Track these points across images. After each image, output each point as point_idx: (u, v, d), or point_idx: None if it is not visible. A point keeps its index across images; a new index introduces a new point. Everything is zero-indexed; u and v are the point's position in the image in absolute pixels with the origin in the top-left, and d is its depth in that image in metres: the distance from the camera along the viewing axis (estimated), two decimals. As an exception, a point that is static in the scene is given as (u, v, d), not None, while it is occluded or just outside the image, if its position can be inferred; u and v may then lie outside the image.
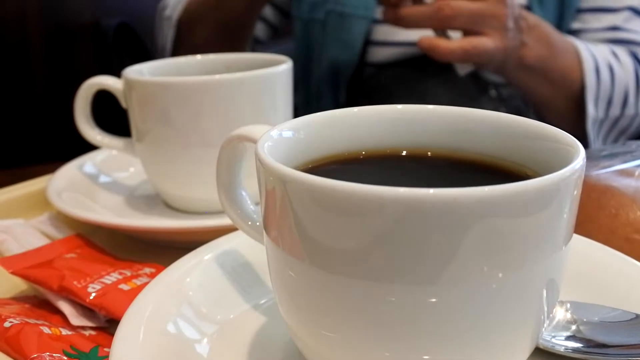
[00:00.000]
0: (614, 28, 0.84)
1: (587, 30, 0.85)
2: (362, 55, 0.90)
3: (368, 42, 0.89)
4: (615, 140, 0.86)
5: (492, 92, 0.86)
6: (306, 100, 0.96)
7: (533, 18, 0.76)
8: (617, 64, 0.80)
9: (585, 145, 0.80)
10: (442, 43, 0.70)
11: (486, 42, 0.70)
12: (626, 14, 0.84)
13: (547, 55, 0.76)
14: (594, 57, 0.79)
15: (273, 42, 1.08)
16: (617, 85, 0.80)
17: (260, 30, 1.02)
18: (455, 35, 0.73)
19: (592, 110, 0.79)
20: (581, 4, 0.86)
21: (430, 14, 0.69)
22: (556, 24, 0.86)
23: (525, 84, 0.80)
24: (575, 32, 0.86)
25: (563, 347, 0.31)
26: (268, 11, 1.02)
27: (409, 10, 0.69)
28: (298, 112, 0.91)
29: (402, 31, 0.87)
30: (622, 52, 0.82)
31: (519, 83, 0.80)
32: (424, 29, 0.73)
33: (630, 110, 0.82)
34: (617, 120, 0.83)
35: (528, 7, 0.85)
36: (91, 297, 0.38)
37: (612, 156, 0.50)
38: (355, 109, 0.33)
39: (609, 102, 0.81)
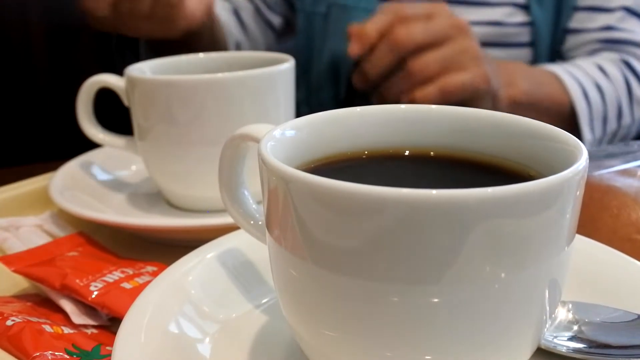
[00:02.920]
0: (608, 28, 0.84)
1: (583, 30, 0.85)
2: None
3: None
4: None
5: None
6: (307, 94, 0.96)
7: (504, 62, 0.76)
8: (605, 80, 0.80)
9: None
10: (417, 94, 0.67)
11: (462, 76, 0.67)
12: (620, 14, 0.84)
13: (533, 87, 0.76)
14: (579, 81, 0.79)
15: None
16: (609, 103, 0.79)
17: (275, 20, 1.03)
18: None
19: (589, 135, 0.79)
20: (578, 2, 0.86)
21: (402, 75, 0.68)
22: (554, 22, 0.86)
23: None
24: (571, 31, 0.86)
25: (565, 348, 0.31)
26: (277, 3, 1.02)
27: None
28: (300, 107, 0.91)
29: None
30: (609, 64, 0.81)
31: None
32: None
33: (626, 119, 0.82)
34: (615, 133, 0.83)
35: (526, 6, 0.85)
36: (93, 296, 0.39)
37: (614, 156, 0.50)
38: (358, 109, 0.33)
39: (604, 121, 0.80)
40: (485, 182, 0.23)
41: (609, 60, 0.82)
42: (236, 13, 1.00)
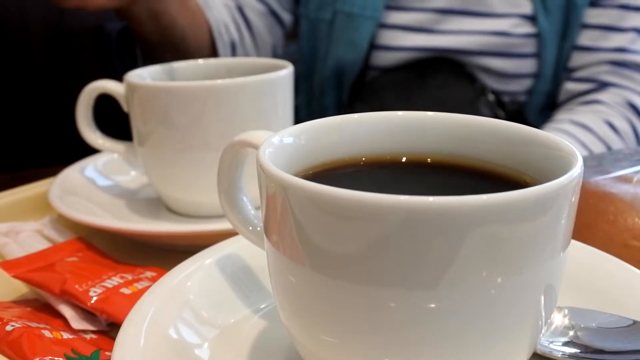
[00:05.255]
0: (621, 49, 0.84)
1: (594, 48, 0.85)
2: (367, 58, 0.90)
3: (373, 46, 0.89)
4: None
5: (490, 96, 0.87)
6: (308, 99, 0.96)
7: None
8: (616, 137, 0.80)
9: None
10: None
11: None
12: (632, 35, 0.84)
13: None
14: (591, 152, 0.78)
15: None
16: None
17: (285, 17, 0.99)
18: None
19: None
20: (587, 19, 0.86)
21: None
22: (561, 35, 0.86)
23: None
24: (581, 49, 0.86)
25: (560, 353, 0.31)
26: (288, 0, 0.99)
27: None
28: (299, 112, 0.90)
29: (406, 36, 0.88)
30: (617, 118, 0.81)
31: None
32: None
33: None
34: None
35: (533, 18, 0.85)
36: (92, 301, 0.39)
37: (610, 162, 0.50)
38: (356, 116, 0.33)
39: None
40: (481, 189, 0.23)
41: (616, 111, 0.82)
42: (240, 10, 0.95)
